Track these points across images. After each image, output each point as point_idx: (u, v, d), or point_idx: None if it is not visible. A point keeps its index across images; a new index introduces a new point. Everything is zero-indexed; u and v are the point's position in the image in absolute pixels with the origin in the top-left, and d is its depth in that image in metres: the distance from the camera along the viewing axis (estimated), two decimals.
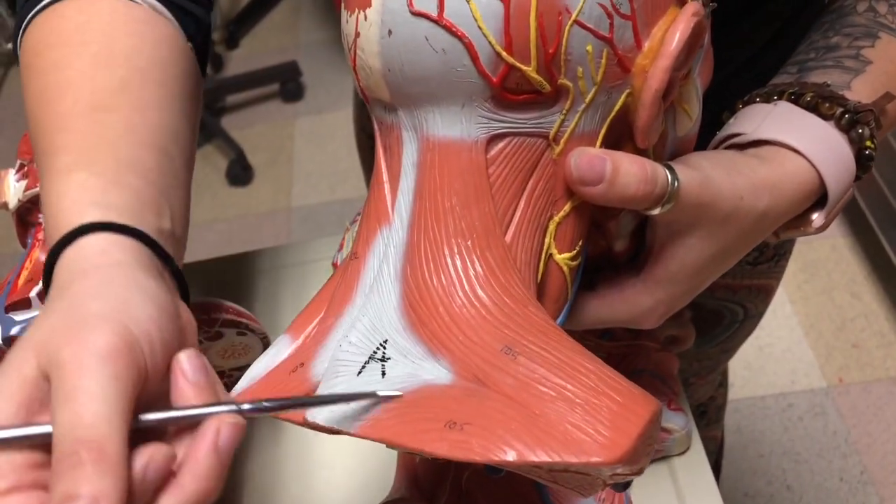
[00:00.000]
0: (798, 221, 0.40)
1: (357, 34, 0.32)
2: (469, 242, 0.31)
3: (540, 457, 0.25)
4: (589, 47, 0.30)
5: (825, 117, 0.38)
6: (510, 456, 0.25)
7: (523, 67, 0.30)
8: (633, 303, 0.37)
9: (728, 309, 0.74)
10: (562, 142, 0.32)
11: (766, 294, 0.75)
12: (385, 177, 0.34)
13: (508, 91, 0.30)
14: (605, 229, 0.37)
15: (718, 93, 0.43)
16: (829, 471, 1.37)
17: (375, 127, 0.35)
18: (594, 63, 0.31)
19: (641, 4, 0.31)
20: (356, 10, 0.32)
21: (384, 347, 0.30)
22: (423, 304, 0.30)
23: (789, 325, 1.57)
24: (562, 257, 0.34)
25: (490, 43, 0.29)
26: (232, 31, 2.44)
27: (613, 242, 0.38)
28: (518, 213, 0.32)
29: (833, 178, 0.38)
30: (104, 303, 0.28)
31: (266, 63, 2.23)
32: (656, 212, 0.34)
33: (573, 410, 0.26)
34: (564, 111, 0.31)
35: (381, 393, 0.29)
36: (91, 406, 0.24)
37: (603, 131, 0.33)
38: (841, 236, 1.71)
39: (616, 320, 0.38)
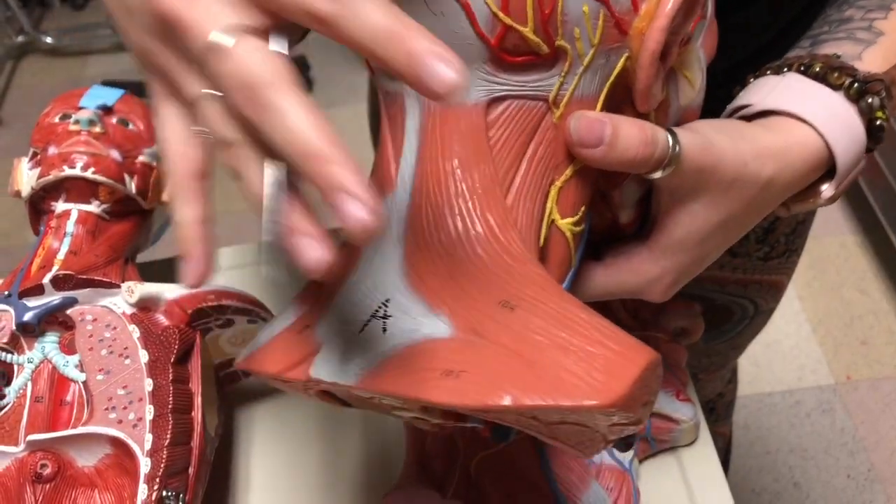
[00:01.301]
0: (807, 193, 0.40)
1: None
2: (469, 203, 0.31)
3: (534, 400, 0.25)
4: (585, 8, 0.30)
5: (834, 87, 0.38)
6: (505, 401, 0.25)
7: (520, 28, 0.30)
8: (639, 272, 0.37)
9: (738, 304, 0.73)
10: (562, 105, 0.32)
11: (776, 290, 0.75)
12: (389, 146, 0.34)
13: (506, 52, 0.30)
14: (609, 199, 0.37)
15: (733, 77, 0.43)
16: (837, 468, 1.37)
17: (381, 98, 0.35)
18: (591, 24, 0.31)
19: None
20: None
21: (385, 306, 0.31)
22: (424, 263, 0.31)
23: (797, 322, 1.57)
24: (564, 222, 0.34)
25: (486, 3, 0.30)
26: None
27: (619, 213, 0.38)
28: (519, 177, 0.32)
29: (841, 148, 0.37)
30: None
31: None
32: (658, 175, 0.34)
33: (568, 357, 0.26)
34: (563, 73, 0.31)
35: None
36: None
37: (603, 95, 0.33)
38: (850, 233, 1.70)
39: (623, 290, 0.38)
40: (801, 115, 0.37)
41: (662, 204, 0.36)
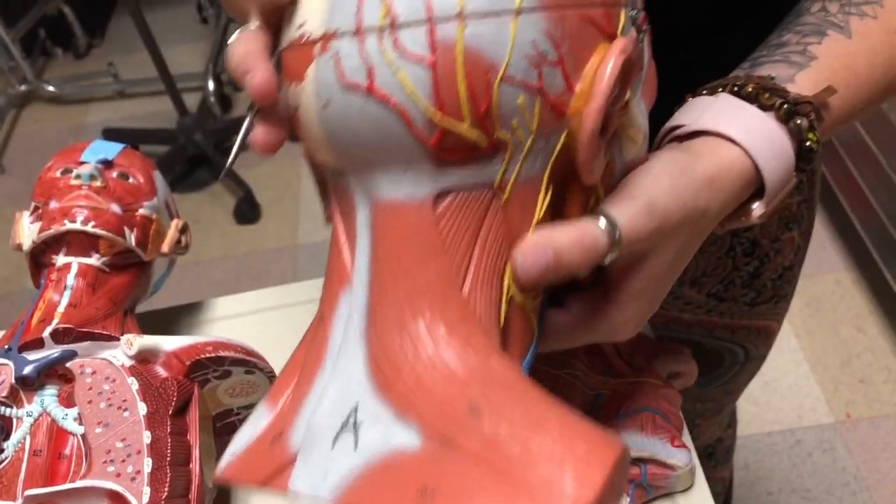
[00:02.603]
0: (739, 212, 0.40)
1: (297, 105, 0.32)
2: (426, 301, 0.31)
3: None
4: (520, 100, 0.30)
5: (765, 108, 0.39)
6: None
7: (457, 128, 0.30)
8: (605, 321, 0.38)
9: (728, 350, 0.74)
10: (507, 189, 0.32)
11: (766, 336, 0.75)
12: (343, 238, 0.34)
13: (446, 151, 0.31)
14: None
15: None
16: None
17: (330, 190, 0.36)
18: (528, 113, 0.31)
19: (569, 48, 0.31)
20: (293, 82, 0.32)
21: (356, 413, 0.31)
22: (389, 367, 0.31)
23: (795, 360, 1.57)
24: (522, 298, 0.34)
25: (422, 109, 0.30)
26: None
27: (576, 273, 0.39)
28: (473, 264, 0.32)
29: (769, 169, 0.38)
30: None
31: None
32: (608, 260, 0.34)
33: (537, 467, 0.26)
34: (505, 161, 0.32)
35: None
36: None
37: (547, 173, 0.33)
38: (845, 270, 1.71)
39: (591, 339, 0.39)
40: (731, 135, 0.38)
41: (618, 262, 0.36)
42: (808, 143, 0.39)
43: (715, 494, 0.50)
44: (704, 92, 0.42)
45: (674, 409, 0.51)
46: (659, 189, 0.36)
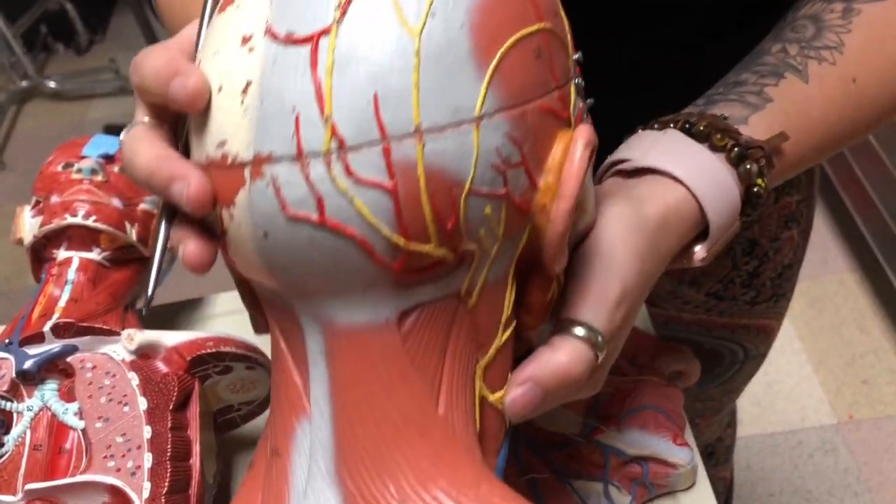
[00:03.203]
0: (681, 253, 0.39)
1: (223, 231, 0.29)
2: (403, 432, 0.29)
3: None
4: (487, 210, 0.28)
5: (716, 148, 0.38)
6: None
7: (423, 249, 0.28)
8: (579, 391, 0.37)
9: (728, 348, 0.73)
10: (474, 294, 0.30)
11: (766, 334, 0.75)
12: (290, 363, 0.31)
13: (411, 272, 0.28)
14: (526, 339, 0.36)
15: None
16: None
17: (265, 306, 0.33)
18: (494, 221, 0.29)
19: (531, 146, 0.29)
20: (218, 205, 0.29)
21: None
22: None
23: (798, 361, 1.56)
24: (495, 397, 0.32)
25: (384, 236, 0.27)
26: None
27: (535, 345, 0.36)
28: (445, 375, 0.30)
29: (715, 212, 0.37)
30: None
31: None
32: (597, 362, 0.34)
33: None
34: (472, 270, 0.30)
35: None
36: None
37: (512, 270, 0.32)
38: (848, 272, 1.71)
39: (568, 399, 0.38)
40: (677, 175, 0.37)
41: None
42: (755, 189, 0.38)
43: (716, 494, 0.49)
44: (655, 126, 0.40)
45: (676, 407, 0.50)
46: (621, 267, 0.35)
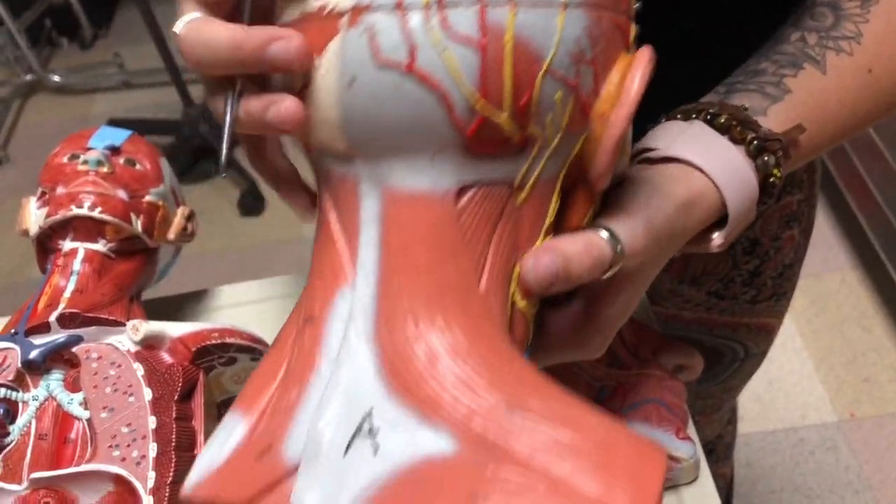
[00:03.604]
0: (699, 238, 0.41)
1: (305, 85, 0.30)
2: (448, 300, 0.30)
3: None
4: (558, 95, 0.30)
5: (737, 141, 0.39)
6: None
7: (496, 117, 0.29)
8: (583, 343, 0.39)
9: (728, 347, 0.73)
10: (526, 188, 0.32)
11: (766, 333, 0.75)
12: (338, 233, 0.32)
13: (480, 141, 0.30)
14: None
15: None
16: None
17: (316, 179, 0.34)
18: (561, 110, 0.30)
19: (601, 50, 0.31)
20: None
21: (370, 419, 0.28)
22: (407, 368, 0.29)
23: (800, 359, 1.57)
24: (524, 304, 0.33)
25: (465, 94, 0.28)
26: None
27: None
28: (488, 264, 0.31)
29: (735, 202, 0.39)
30: None
31: None
32: (608, 275, 0.34)
33: (593, 471, 0.25)
34: (531, 158, 0.31)
35: None
36: None
37: (561, 177, 0.33)
38: (850, 269, 1.70)
39: (565, 358, 0.39)
40: (702, 167, 0.38)
41: (601, 282, 0.36)
42: (771, 179, 0.40)
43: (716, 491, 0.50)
44: (679, 116, 0.42)
45: (679, 401, 0.51)
46: (651, 208, 0.36)
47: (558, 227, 0.34)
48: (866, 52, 0.42)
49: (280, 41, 0.29)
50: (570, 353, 0.39)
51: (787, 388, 1.53)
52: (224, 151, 0.33)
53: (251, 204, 2.08)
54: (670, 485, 0.49)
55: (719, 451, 0.96)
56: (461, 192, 0.31)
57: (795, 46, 0.43)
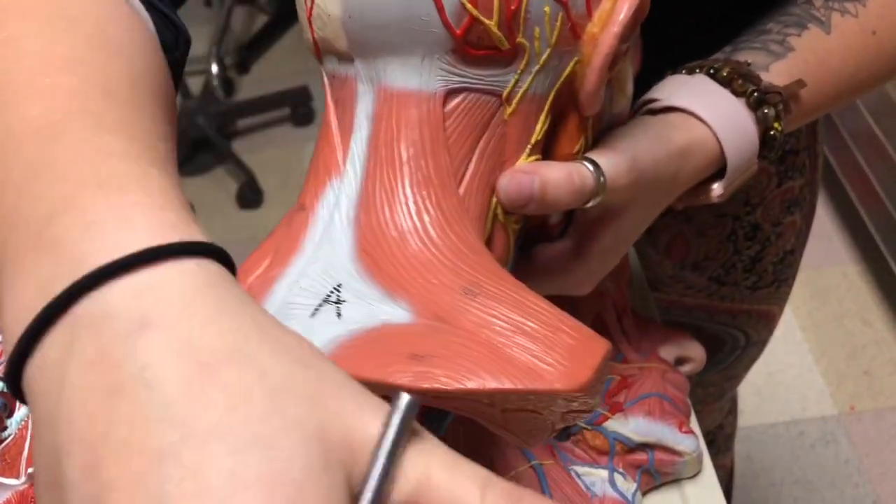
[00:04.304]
0: (699, 189, 0.42)
1: None
2: (424, 192, 0.32)
3: (504, 384, 0.26)
4: (547, 8, 0.31)
5: (737, 94, 0.41)
6: (472, 384, 0.26)
7: (486, 21, 0.31)
8: (569, 274, 0.40)
9: (729, 334, 0.73)
10: (514, 102, 0.33)
11: (767, 320, 0.75)
12: (336, 130, 0.34)
13: (469, 45, 0.31)
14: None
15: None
16: (842, 500, 1.36)
17: (326, 83, 0.36)
18: (550, 25, 0.32)
19: None
20: None
21: (338, 291, 0.31)
22: (379, 248, 0.31)
23: (800, 352, 1.56)
24: (505, 217, 0.34)
25: None
26: (243, 56, 2.47)
27: (549, 216, 0.40)
28: (471, 169, 0.33)
29: (733, 151, 0.40)
30: None
31: (277, 88, 2.25)
32: (589, 205, 0.35)
33: (534, 344, 0.27)
34: (519, 71, 0.32)
35: None
36: None
37: (551, 97, 0.34)
38: (851, 263, 1.70)
39: (552, 290, 0.40)
40: (701, 115, 0.40)
41: (589, 215, 0.37)
42: (772, 132, 0.41)
43: None
44: (683, 70, 0.43)
45: (681, 394, 0.50)
46: (639, 148, 0.37)
47: (549, 153, 0.36)
48: (871, 15, 0.43)
49: None
50: (558, 285, 0.40)
51: (788, 381, 1.53)
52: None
53: (249, 196, 2.08)
54: (673, 478, 0.49)
55: (720, 441, 0.96)
56: (450, 95, 0.32)
57: (802, 8, 0.45)
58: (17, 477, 0.41)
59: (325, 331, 0.30)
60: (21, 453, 0.42)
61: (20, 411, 0.44)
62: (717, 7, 0.54)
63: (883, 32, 0.44)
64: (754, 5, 0.49)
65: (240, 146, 2.22)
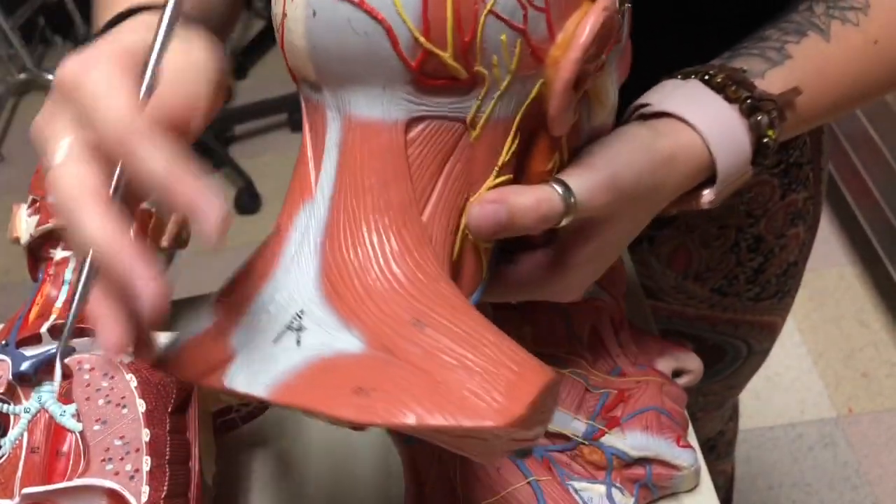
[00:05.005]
0: (689, 196, 0.41)
1: (284, 14, 0.33)
2: (386, 219, 0.32)
3: (438, 420, 0.26)
4: (503, 37, 0.31)
5: (731, 100, 0.40)
6: (410, 419, 0.27)
7: (440, 53, 0.31)
8: (552, 283, 0.40)
9: (731, 344, 0.73)
10: (479, 126, 0.33)
11: (770, 331, 0.75)
12: (310, 154, 0.35)
13: (426, 76, 0.31)
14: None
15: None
16: (841, 502, 1.36)
17: (303, 106, 0.36)
18: (508, 52, 0.32)
19: (556, 0, 0.32)
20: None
21: (300, 318, 0.32)
22: (340, 277, 0.32)
23: (798, 355, 1.56)
24: (477, 238, 0.35)
25: (409, 28, 0.30)
26: (240, 61, 2.47)
27: None
28: (435, 194, 0.33)
29: (723, 159, 0.39)
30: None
31: (274, 93, 2.25)
32: (562, 224, 0.35)
33: (472, 378, 0.27)
34: (480, 97, 0.33)
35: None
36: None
37: (518, 118, 0.34)
38: (849, 265, 1.70)
39: (536, 297, 0.40)
40: (691, 121, 0.39)
41: (572, 225, 0.37)
42: (765, 140, 0.40)
43: (716, 488, 0.49)
44: (678, 76, 0.43)
45: (678, 407, 0.50)
46: (619, 162, 0.37)
47: (522, 171, 0.36)
48: (873, 24, 0.43)
49: (140, 281, 0.27)
50: (539, 293, 0.40)
51: (786, 383, 1.53)
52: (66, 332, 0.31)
53: (247, 202, 2.07)
54: (670, 492, 0.49)
55: (720, 448, 0.96)
56: (412, 123, 0.33)
57: (802, 15, 0.44)
58: (12, 498, 0.41)
59: (284, 358, 0.31)
60: (15, 473, 0.42)
61: (14, 430, 0.43)
62: (714, 14, 0.53)
63: (885, 42, 0.43)
64: (750, 13, 0.48)
65: (237, 151, 2.22)
